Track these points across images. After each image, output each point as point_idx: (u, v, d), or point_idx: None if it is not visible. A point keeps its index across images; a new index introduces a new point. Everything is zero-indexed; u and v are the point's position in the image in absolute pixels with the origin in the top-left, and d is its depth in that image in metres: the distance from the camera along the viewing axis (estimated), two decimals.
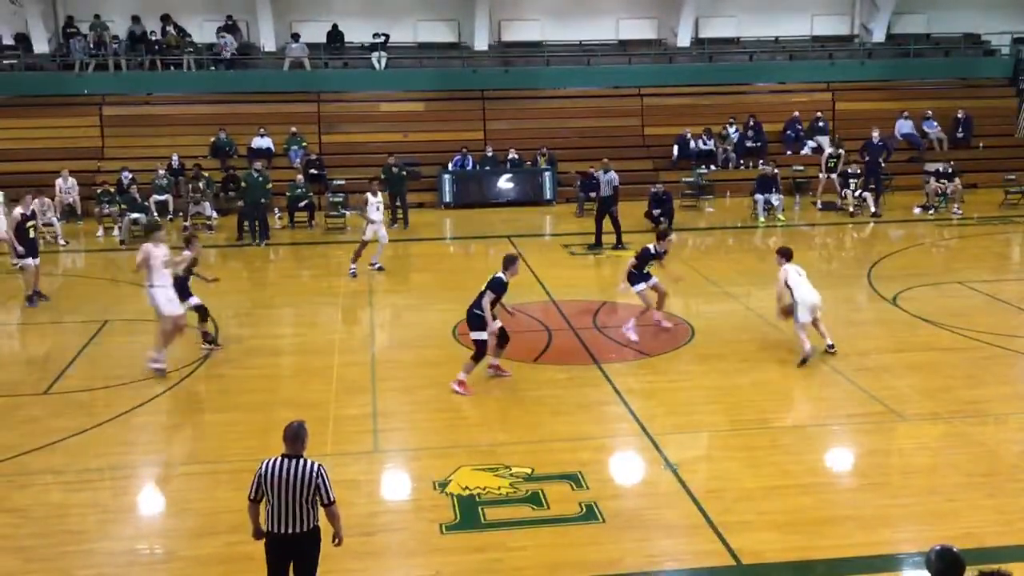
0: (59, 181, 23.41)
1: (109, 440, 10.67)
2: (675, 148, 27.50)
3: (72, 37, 27.87)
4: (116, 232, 21.86)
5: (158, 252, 12.49)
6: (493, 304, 11.70)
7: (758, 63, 30.53)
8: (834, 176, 24.43)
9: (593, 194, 22.72)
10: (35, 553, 8.20)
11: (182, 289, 13.10)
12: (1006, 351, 13.20)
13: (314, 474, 6.57)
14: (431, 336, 14.20)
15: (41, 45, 28.36)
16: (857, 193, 23.68)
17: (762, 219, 23.12)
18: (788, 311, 12.82)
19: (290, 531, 6.57)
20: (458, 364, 12.13)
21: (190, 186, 23.72)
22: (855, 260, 20.09)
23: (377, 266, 18.41)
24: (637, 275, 14.02)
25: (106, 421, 11.09)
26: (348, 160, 26.65)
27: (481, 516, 8.74)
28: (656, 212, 22.21)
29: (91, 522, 8.77)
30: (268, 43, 29.44)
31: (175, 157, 25.17)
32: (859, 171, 24.34)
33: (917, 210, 23.92)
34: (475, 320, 11.80)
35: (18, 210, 16.43)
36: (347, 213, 23.30)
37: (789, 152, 27.92)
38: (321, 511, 6.67)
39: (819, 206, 24.65)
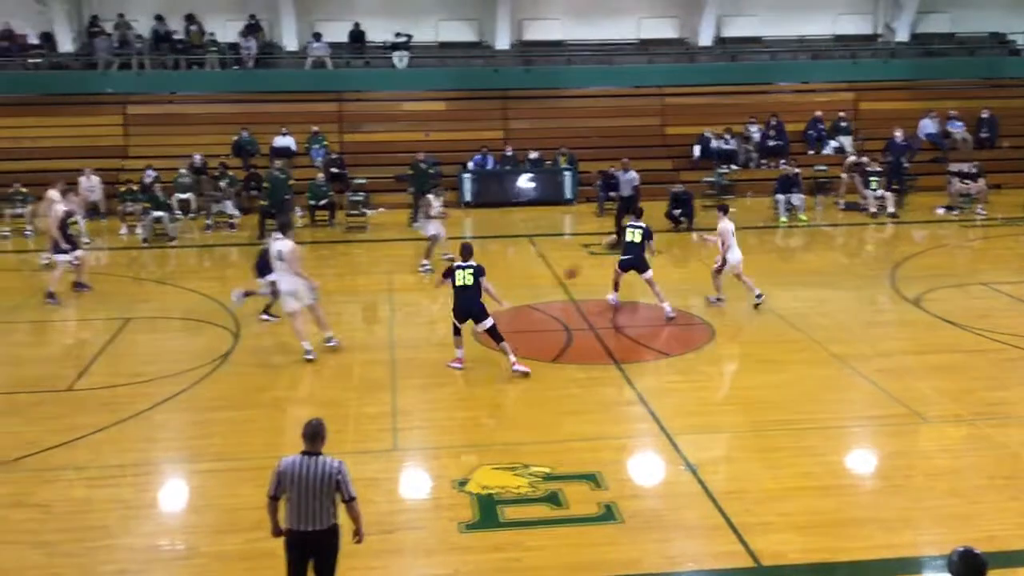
0: (82, 179, 23.59)
1: (131, 437, 10.77)
2: (697, 148, 27.39)
3: (96, 36, 28.08)
4: (139, 230, 22.02)
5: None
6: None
7: (780, 63, 30.30)
8: (856, 176, 24.27)
9: (613, 194, 22.75)
10: (59, 548, 8.28)
11: (263, 268, 14.22)
12: None
13: (334, 471, 6.60)
14: (452, 335, 14.18)
15: (66, 44, 28.58)
16: (879, 194, 23.50)
17: (784, 219, 23.02)
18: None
19: (310, 528, 6.60)
20: (479, 363, 12.35)
21: (217, 183, 23.86)
22: (877, 261, 19.94)
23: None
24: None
25: (128, 418, 11.18)
26: (369, 159, 26.77)
27: (500, 515, 8.75)
28: (676, 212, 22.18)
29: (114, 518, 8.84)
30: (290, 43, 29.53)
31: (198, 156, 25.33)
32: (880, 170, 24.17)
33: (939, 210, 23.73)
34: (481, 313, 12.25)
35: (61, 207, 17.07)
36: (368, 212, 23.36)
37: (811, 152, 27.76)
38: (342, 508, 6.70)
39: (842, 206, 24.51)
